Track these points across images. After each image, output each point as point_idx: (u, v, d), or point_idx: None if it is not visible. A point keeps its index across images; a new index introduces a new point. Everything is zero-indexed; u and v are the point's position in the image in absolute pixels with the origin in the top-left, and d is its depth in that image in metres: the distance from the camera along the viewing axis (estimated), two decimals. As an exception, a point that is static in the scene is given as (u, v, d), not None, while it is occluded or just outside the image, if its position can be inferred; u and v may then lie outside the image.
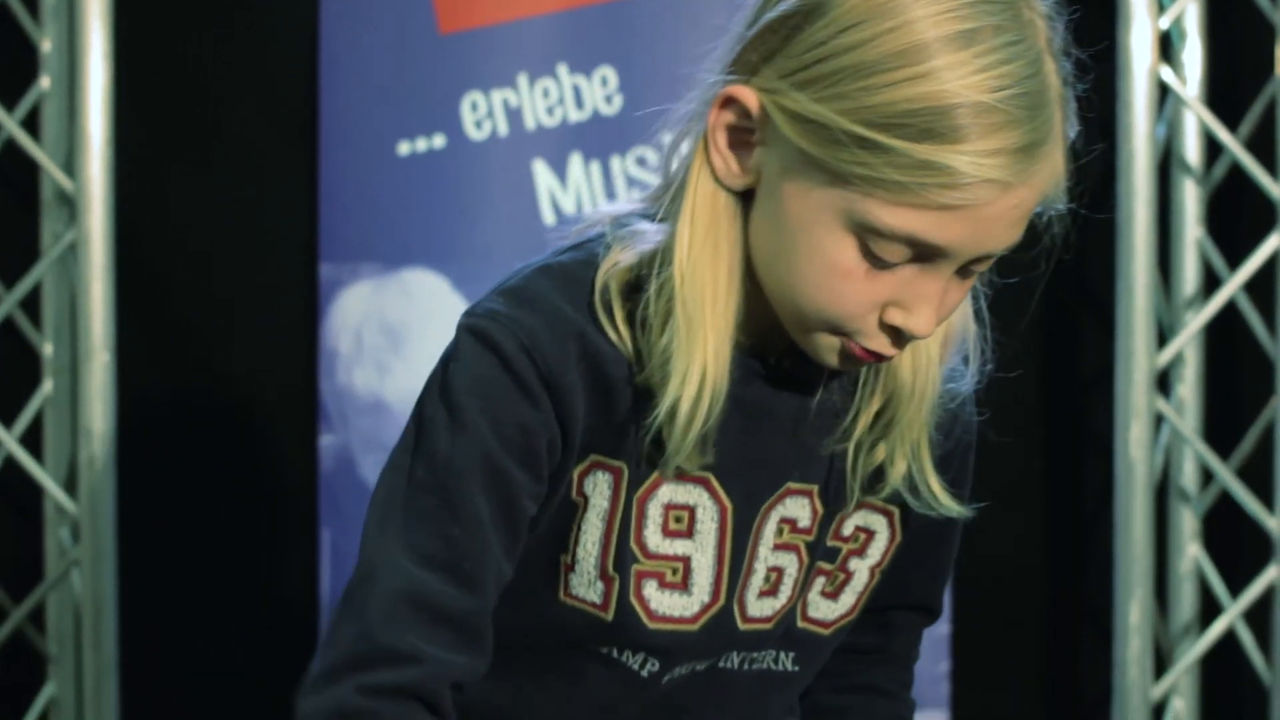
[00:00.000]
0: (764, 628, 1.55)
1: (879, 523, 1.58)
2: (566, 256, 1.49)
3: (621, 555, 1.47)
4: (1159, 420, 3.14)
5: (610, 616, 1.48)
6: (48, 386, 3.18)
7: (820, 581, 1.57)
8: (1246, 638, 3.19)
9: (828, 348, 1.43)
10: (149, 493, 3.18)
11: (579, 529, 1.47)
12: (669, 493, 1.48)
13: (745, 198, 1.43)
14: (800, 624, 1.57)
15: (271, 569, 3.23)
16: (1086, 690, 3.31)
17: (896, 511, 1.58)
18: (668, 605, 1.49)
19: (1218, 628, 3.16)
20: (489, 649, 1.42)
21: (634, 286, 1.46)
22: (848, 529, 1.57)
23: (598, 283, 1.45)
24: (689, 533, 1.49)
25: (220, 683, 3.22)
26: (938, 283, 1.39)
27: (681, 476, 1.47)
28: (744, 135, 1.41)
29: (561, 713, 1.55)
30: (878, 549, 1.59)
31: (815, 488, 1.53)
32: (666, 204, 1.47)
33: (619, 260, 1.46)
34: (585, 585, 1.48)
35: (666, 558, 1.48)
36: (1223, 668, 3.27)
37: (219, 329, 3.21)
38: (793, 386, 1.51)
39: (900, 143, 1.33)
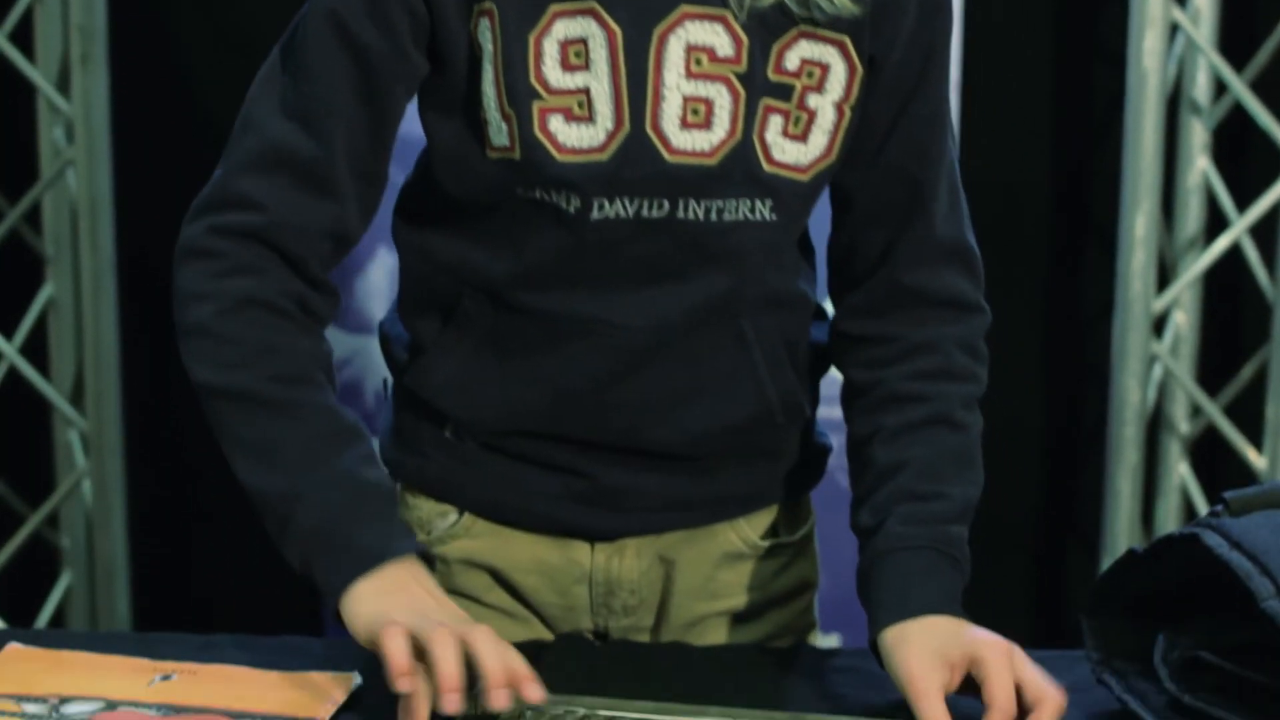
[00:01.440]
0: (705, 163, 1.56)
1: (830, 54, 1.57)
2: None
3: (515, 91, 1.53)
4: (1173, 29, 3.08)
5: (518, 154, 1.54)
6: (37, -20, 3.11)
7: (778, 121, 1.57)
8: (1251, 253, 3.18)
9: None
10: (143, 88, 3.13)
11: (481, 77, 1.54)
12: (563, 29, 1.53)
13: None
14: (768, 168, 1.58)
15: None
16: (1089, 302, 3.31)
17: (847, 40, 1.57)
18: (575, 137, 1.54)
19: (1223, 242, 3.15)
20: (342, 193, 1.56)
21: None
22: (792, 62, 1.56)
23: None
24: (586, 65, 1.53)
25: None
26: None
27: (570, 12, 1.52)
28: None
29: (519, 261, 1.61)
30: (837, 83, 1.58)
31: (727, 14, 1.54)
32: None
33: None
34: (496, 131, 1.55)
35: (569, 91, 1.53)
36: (1226, 282, 3.26)
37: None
38: None
39: None
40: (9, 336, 3.14)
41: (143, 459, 3.23)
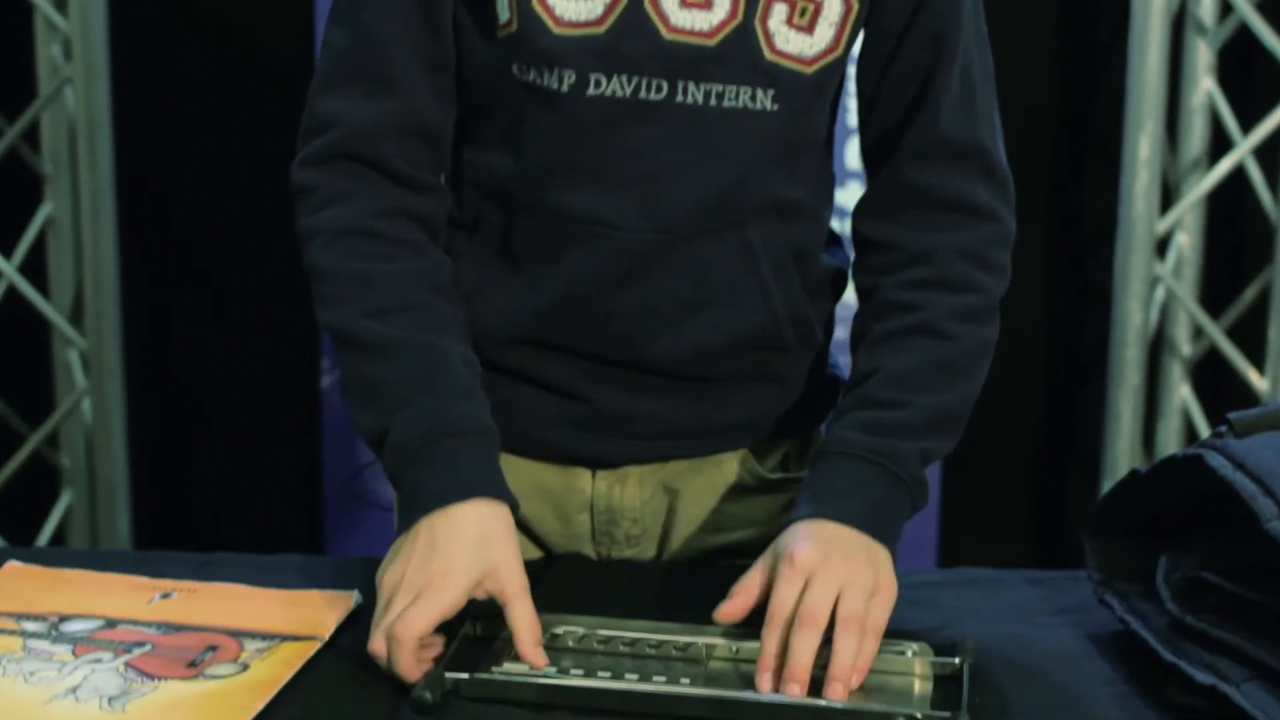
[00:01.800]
0: (704, 43, 1.55)
1: None
2: None
3: None
4: (1180, -52, 3.07)
5: (515, 26, 1.55)
6: (34, -103, 3.09)
7: (782, 10, 1.57)
8: (1255, 174, 3.17)
9: None
10: (141, 4, 3.11)
11: None
12: None
13: None
14: (770, 56, 1.57)
15: (264, 86, 3.18)
16: (1091, 223, 3.30)
17: None
18: (573, 10, 1.55)
19: (1226, 163, 3.13)
20: (406, 85, 1.59)
21: None
22: None
23: None
24: None
25: (218, 189, 3.21)
26: None
27: None
28: None
29: (523, 157, 1.61)
30: None
31: None
32: None
33: None
34: (502, 6, 1.56)
35: None
36: (1229, 203, 3.25)
37: None
38: None
39: None
40: (8, 255, 3.12)
41: (142, 378, 3.23)
